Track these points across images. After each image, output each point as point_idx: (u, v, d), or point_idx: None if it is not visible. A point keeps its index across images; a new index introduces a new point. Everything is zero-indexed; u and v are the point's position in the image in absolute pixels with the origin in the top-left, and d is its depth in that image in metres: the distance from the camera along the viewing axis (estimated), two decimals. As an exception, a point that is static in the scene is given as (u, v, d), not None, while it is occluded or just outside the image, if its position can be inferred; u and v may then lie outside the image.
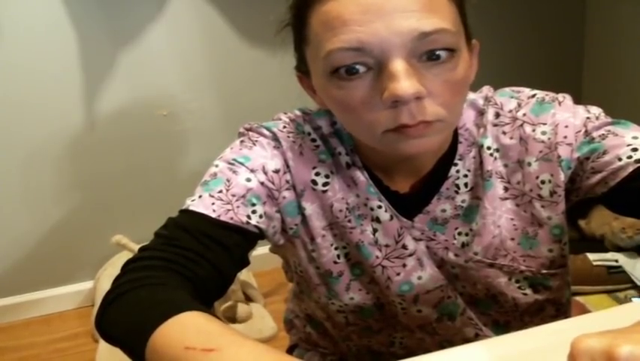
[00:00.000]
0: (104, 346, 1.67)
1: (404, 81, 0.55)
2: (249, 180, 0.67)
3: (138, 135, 1.90)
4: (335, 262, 0.73)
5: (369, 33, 0.55)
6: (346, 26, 0.56)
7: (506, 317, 0.76)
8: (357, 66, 0.57)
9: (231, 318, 1.77)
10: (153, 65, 1.83)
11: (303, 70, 0.68)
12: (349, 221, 0.71)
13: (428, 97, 0.57)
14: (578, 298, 1.62)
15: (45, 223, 1.92)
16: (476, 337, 0.76)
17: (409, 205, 0.71)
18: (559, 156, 0.66)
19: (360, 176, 0.70)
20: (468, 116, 0.71)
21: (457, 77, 0.59)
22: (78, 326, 1.92)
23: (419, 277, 0.72)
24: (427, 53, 0.57)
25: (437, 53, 0.57)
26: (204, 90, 1.90)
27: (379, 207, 0.70)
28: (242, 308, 1.78)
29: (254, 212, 0.66)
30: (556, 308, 0.76)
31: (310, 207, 0.71)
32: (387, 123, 0.58)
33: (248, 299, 1.86)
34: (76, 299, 2.01)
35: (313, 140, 0.72)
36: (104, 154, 1.89)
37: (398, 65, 0.56)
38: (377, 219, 0.70)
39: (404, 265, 0.71)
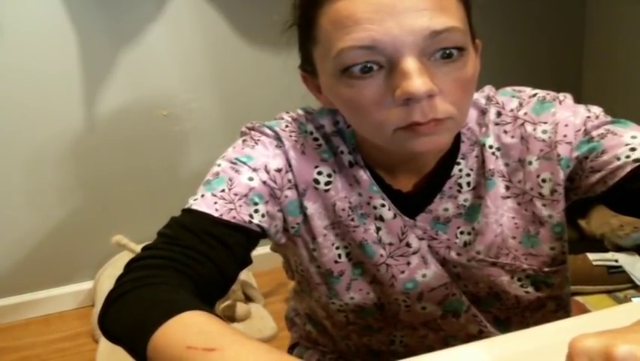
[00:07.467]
0: (104, 346, 1.67)
1: (417, 79, 0.55)
2: (251, 179, 0.67)
3: (138, 135, 1.90)
4: (336, 262, 0.73)
5: (381, 32, 0.56)
6: (358, 25, 0.56)
7: (507, 314, 0.76)
8: (370, 64, 0.58)
9: (230, 317, 1.77)
10: (153, 65, 1.83)
11: (307, 69, 0.68)
12: (352, 220, 0.71)
13: (439, 95, 0.58)
14: (578, 298, 1.62)
15: (46, 224, 1.92)
16: (480, 333, 0.76)
17: (411, 204, 0.71)
18: (558, 155, 0.66)
19: (363, 175, 0.70)
20: (470, 116, 0.71)
21: (466, 75, 0.59)
22: (78, 326, 1.92)
23: (423, 275, 0.72)
24: (439, 52, 0.57)
25: (449, 51, 0.57)
26: (204, 90, 1.90)
27: (382, 205, 0.70)
28: (240, 307, 1.78)
29: (256, 211, 0.67)
30: (557, 304, 0.76)
31: (312, 207, 0.71)
32: (399, 121, 0.59)
33: (248, 299, 1.86)
34: (76, 299, 2.01)
35: (315, 139, 0.72)
36: (104, 154, 1.89)
37: (410, 64, 0.56)
38: (380, 218, 0.71)
39: (408, 263, 0.72)
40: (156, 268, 0.60)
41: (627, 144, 0.62)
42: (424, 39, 0.56)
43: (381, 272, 0.72)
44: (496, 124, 0.70)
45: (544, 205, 0.68)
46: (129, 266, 0.62)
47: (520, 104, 0.70)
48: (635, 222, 1.66)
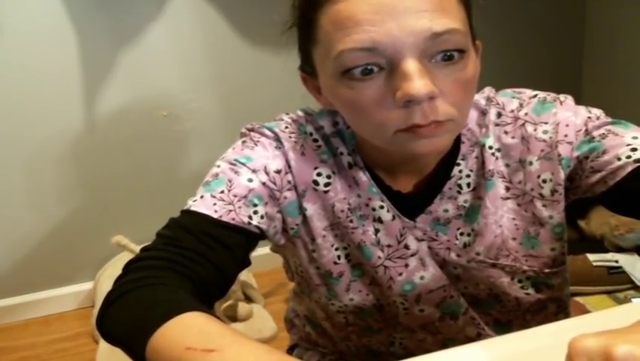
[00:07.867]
0: (104, 347, 1.67)
1: (418, 81, 0.55)
2: (250, 180, 0.67)
3: (138, 136, 1.90)
4: (335, 263, 0.73)
5: (382, 33, 0.55)
6: (359, 26, 0.56)
7: (508, 316, 0.76)
8: (371, 66, 0.57)
9: (232, 317, 1.77)
10: (153, 65, 1.83)
11: (307, 70, 0.68)
12: (351, 221, 0.71)
13: (440, 97, 0.58)
14: (578, 299, 1.62)
15: (46, 224, 1.92)
16: (478, 336, 0.76)
17: (411, 205, 0.71)
18: (559, 155, 0.66)
19: (362, 176, 0.70)
20: (470, 117, 0.71)
21: (467, 76, 0.59)
22: (78, 326, 1.92)
23: (421, 277, 0.72)
24: (440, 54, 0.57)
25: (449, 53, 0.57)
26: (204, 90, 1.90)
27: (381, 207, 0.70)
28: (242, 307, 1.77)
29: (255, 212, 0.67)
30: (557, 305, 0.76)
31: (311, 208, 0.71)
32: (399, 123, 0.58)
33: (248, 299, 1.86)
34: (76, 300, 2.01)
35: (315, 140, 0.72)
36: (104, 155, 1.89)
37: (411, 65, 0.56)
38: (379, 220, 0.70)
39: (406, 265, 0.71)
40: (155, 269, 0.60)
41: (628, 145, 0.62)
42: (424, 41, 0.56)
43: (380, 274, 0.72)
44: (497, 125, 0.70)
45: (544, 206, 0.68)
46: (128, 267, 0.62)
47: (521, 105, 0.70)
48: (631, 223, 1.66)
